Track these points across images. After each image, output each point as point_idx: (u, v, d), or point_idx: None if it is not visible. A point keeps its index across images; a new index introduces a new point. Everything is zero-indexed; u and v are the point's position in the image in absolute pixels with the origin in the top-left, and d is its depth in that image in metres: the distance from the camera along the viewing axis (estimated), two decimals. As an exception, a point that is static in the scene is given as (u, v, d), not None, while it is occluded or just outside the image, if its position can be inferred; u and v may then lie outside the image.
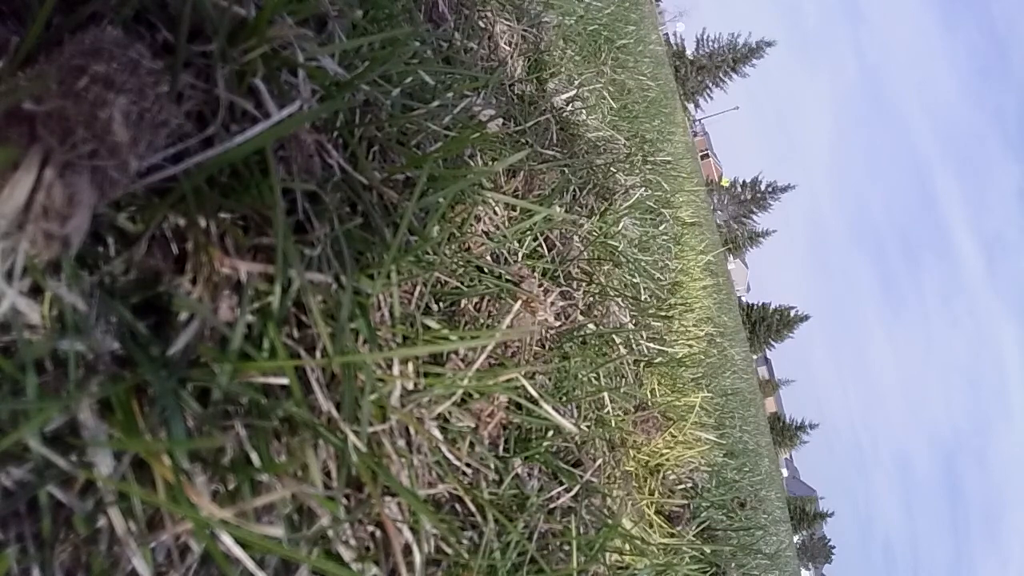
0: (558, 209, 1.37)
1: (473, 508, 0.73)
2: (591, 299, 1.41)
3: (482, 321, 0.88)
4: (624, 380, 1.53)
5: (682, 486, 1.69)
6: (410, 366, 0.67)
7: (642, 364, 1.70)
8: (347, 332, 0.55)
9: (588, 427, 1.17)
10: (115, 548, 0.42)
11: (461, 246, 0.89)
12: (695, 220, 4.23)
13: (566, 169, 1.50)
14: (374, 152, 0.73)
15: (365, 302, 0.59)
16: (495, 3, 1.50)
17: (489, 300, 0.91)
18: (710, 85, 37.57)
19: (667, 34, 34.02)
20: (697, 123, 39.55)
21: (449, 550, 0.68)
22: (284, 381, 0.50)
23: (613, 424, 1.29)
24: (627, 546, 1.12)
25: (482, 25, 1.37)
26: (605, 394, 1.25)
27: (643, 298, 1.90)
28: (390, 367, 0.64)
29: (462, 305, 0.86)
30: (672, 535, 1.46)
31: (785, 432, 43.04)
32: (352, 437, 0.54)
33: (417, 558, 0.61)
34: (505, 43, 1.49)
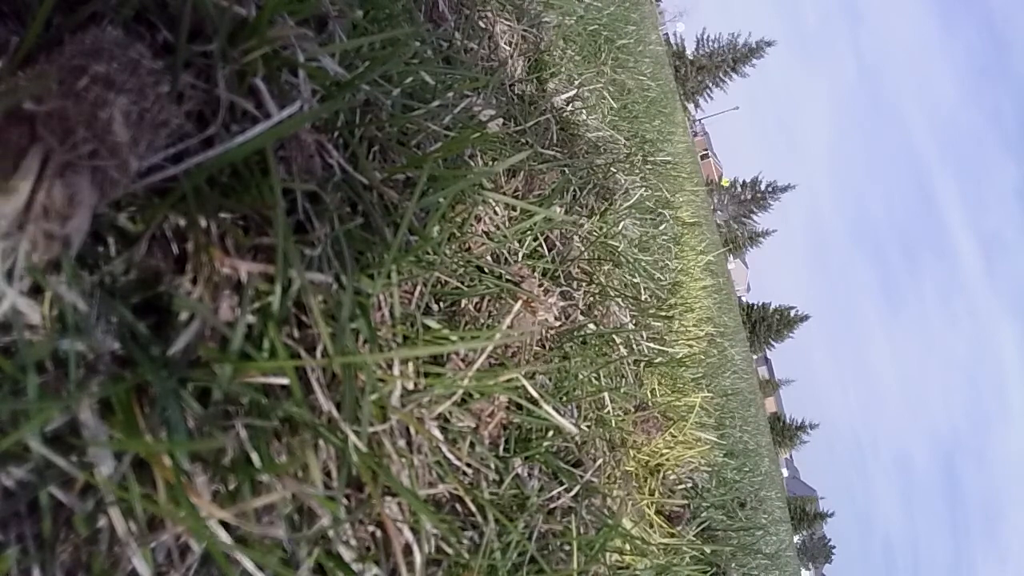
0: (558, 209, 1.37)
1: (473, 508, 0.73)
2: (591, 299, 1.41)
3: (482, 321, 0.88)
4: (624, 380, 1.53)
5: (682, 486, 1.69)
6: (410, 366, 0.67)
7: (642, 364, 1.70)
8: (347, 332, 0.55)
9: (588, 427, 1.17)
10: (115, 548, 0.42)
11: (461, 246, 0.89)
12: (695, 220, 4.23)
13: (566, 169, 1.50)
14: (374, 152, 0.73)
15: (365, 302, 0.59)
16: (495, 3, 1.50)
17: (489, 300, 0.91)
18: (710, 85, 37.55)
19: (667, 34, 34.00)
20: (697, 123, 39.53)
21: (449, 550, 0.68)
22: (284, 381, 0.50)
23: (613, 424, 1.29)
24: (627, 546, 1.12)
25: (482, 25, 1.37)
26: (605, 394, 1.25)
27: (643, 298, 1.90)
28: (390, 367, 0.64)
29: (462, 305, 0.86)
30: (672, 535, 1.46)
31: (785, 432, 43.03)
32: (352, 437, 0.54)
33: (417, 558, 0.61)
34: (505, 43, 1.49)
